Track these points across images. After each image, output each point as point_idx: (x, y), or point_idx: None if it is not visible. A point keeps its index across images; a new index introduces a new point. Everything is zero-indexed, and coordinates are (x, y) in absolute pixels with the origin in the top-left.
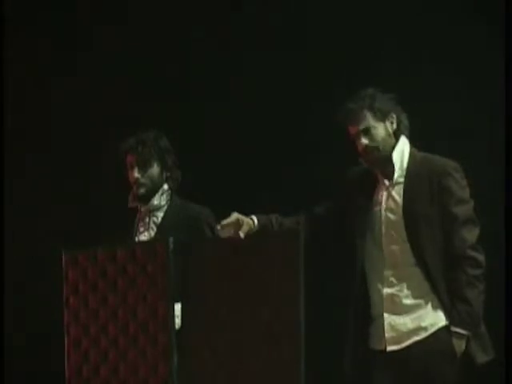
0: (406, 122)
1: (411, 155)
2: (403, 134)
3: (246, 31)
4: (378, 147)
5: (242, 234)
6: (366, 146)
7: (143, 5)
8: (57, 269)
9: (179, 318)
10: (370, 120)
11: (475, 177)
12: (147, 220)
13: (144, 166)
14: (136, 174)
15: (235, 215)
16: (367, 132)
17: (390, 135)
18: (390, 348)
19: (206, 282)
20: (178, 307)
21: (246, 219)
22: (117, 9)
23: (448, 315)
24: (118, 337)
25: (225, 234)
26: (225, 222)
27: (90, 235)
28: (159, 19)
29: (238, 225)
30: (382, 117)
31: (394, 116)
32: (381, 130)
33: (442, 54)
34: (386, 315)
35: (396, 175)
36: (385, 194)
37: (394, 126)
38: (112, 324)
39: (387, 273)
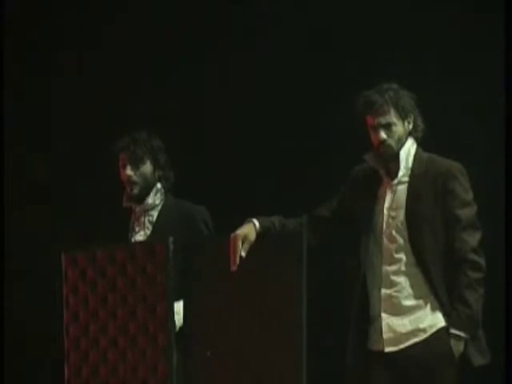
0: (421, 124)
1: (417, 155)
2: (416, 136)
3: (247, 30)
4: (393, 145)
5: (243, 253)
6: (384, 140)
7: (143, 5)
8: (56, 269)
9: (179, 314)
10: (392, 116)
11: (475, 178)
12: (142, 219)
13: (136, 164)
14: (128, 172)
15: (234, 236)
16: (388, 127)
17: (405, 135)
18: (387, 349)
19: (206, 281)
20: (178, 304)
21: (248, 234)
22: (116, 9)
23: (447, 317)
24: (118, 337)
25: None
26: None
27: (89, 235)
28: (159, 19)
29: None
30: (404, 115)
31: (412, 117)
32: (400, 128)
33: (442, 54)
34: (384, 315)
35: (401, 174)
36: (388, 192)
37: (411, 126)
38: (111, 324)
39: (386, 273)
